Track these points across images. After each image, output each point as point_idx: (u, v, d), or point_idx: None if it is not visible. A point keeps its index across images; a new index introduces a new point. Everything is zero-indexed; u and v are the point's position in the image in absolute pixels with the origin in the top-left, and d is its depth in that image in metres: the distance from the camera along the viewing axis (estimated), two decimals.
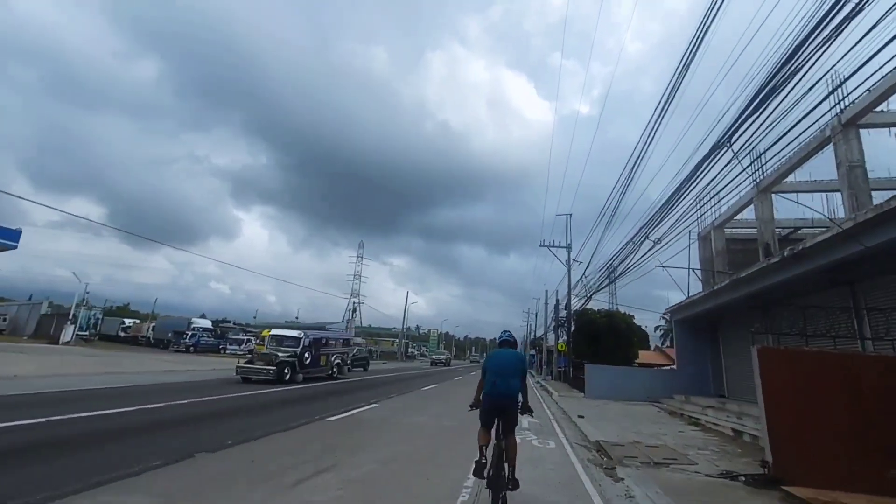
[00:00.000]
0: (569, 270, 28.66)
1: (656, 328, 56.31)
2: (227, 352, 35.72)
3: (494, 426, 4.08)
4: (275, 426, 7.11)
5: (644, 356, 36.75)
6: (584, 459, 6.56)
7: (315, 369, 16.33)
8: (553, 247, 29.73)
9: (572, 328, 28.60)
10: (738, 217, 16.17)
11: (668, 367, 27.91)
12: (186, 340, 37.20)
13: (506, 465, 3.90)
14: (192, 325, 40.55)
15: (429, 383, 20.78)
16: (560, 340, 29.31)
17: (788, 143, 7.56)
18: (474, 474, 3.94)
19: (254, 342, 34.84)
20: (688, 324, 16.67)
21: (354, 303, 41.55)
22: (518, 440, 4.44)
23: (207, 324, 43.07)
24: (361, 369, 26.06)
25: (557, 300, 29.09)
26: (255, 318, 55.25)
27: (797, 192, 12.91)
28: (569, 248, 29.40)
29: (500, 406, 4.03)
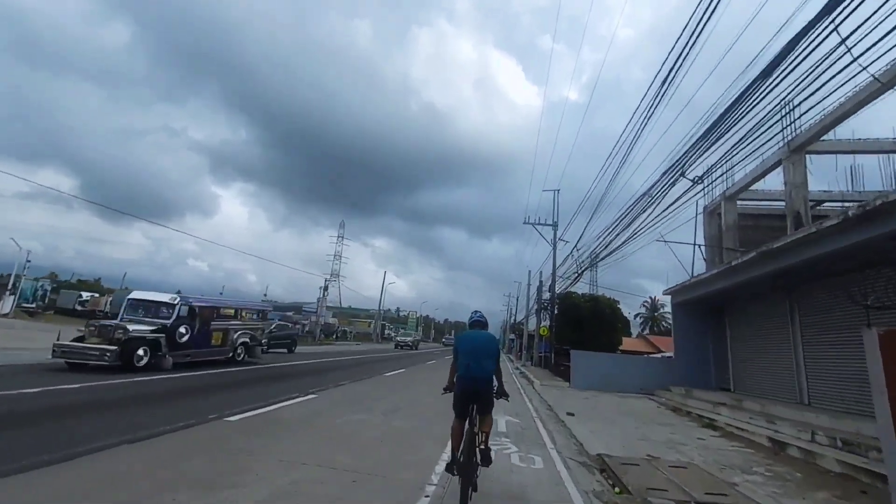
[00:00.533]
0: (554, 249, 26.58)
1: (636, 315, 55.48)
2: None
3: (469, 416, 3.73)
4: (112, 435, 4.61)
5: (627, 343, 35.41)
6: (588, 492, 4.31)
7: (202, 351, 11.87)
8: (538, 224, 27.55)
9: (555, 312, 26.71)
10: (752, 187, 14.12)
11: (661, 356, 26.42)
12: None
13: (478, 437, 3.69)
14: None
15: (396, 368, 18.46)
16: (542, 324, 27.40)
17: (831, 93, 5.51)
18: (447, 470, 3.69)
19: None
20: (689, 307, 14.72)
21: (326, 279, 38.66)
22: (493, 450, 4.18)
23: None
24: (285, 350, 21.30)
25: (541, 281, 27.08)
26: (221, 294, 51.73)
27: (835, 152, 10.80)
28: (555, 225, 27.26)
29: (474, 390, 3.78)
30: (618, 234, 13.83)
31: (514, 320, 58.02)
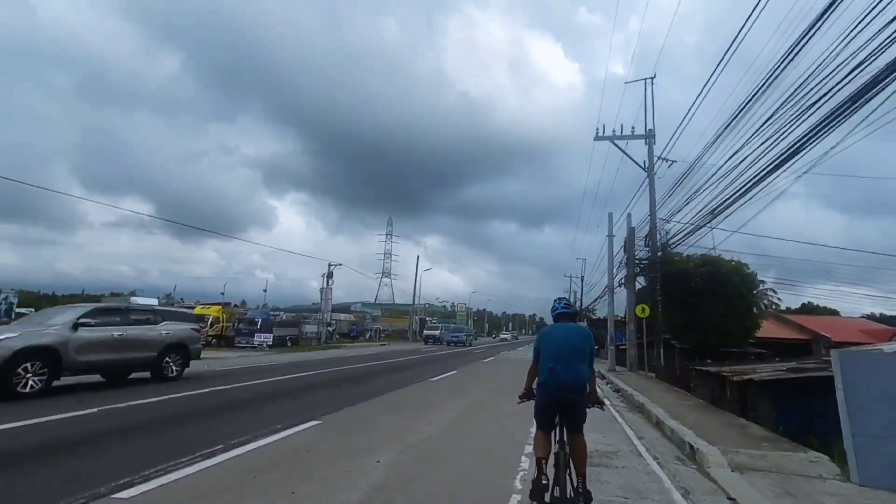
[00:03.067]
0: (650, 175, 15.80)
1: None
2: None
3: (556, 428, 3.05)
4: None
5: (767, 329, 23.17)
6: None
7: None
8: (620, 137, 16.81)
9: (658, 279, 15.95)
10: None
11: None
12: None
13: (573, 474, 2.92)
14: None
15: (441, 371, 9.44)
16: (638, 304, 16.61)
17: None
18: (532, 497, 2.82)
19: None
20: None
21: (330, 265, 30.43)
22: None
23: (151, 303, 33.75)
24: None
25: (632, 228, 16.31)
26: (222, 294, 45.77)
27: None
28: (649, 137, 16.39)
29: (561, 401, 3.02)
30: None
31: (581, 306, 46.33)
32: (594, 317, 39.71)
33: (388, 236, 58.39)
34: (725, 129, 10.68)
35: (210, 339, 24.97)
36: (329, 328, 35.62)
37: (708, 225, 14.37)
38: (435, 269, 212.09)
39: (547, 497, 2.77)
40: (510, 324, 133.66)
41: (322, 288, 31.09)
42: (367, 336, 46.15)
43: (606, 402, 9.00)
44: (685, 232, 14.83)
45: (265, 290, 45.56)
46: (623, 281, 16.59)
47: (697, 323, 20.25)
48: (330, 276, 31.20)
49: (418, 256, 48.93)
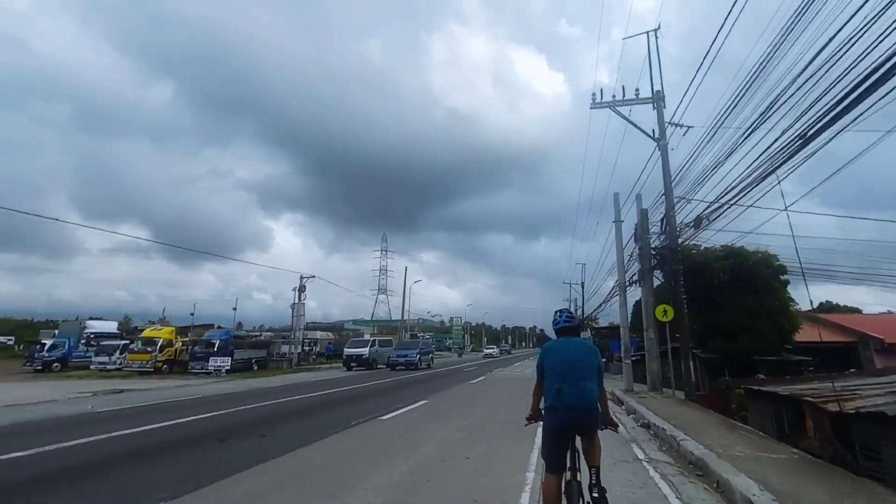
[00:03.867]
0: (661, 143, 12.84)
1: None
2: (94, 367, 22.48)
3: (567, 458, 2.81)
4: None
5: (802, 331, 19.82)
6: None
7: None
8: (622, 103, 13.90)
9: (680, 272, 12.87)
10: None
11: None
12: (43, 354, 24.21)
13: (590, 471, 2.80)
14: (87, 331, 27.97)
15: (406, 401, 6.03)
16: (657, 304, 13.29)
17: None
18: None
19: (137, 347, 21.70)
20: None
21: (303, 278, 27.17)
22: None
23: (109, 327, 30.24)
24: None
25: (645, 211, 13.09)
26: (192, 315, 41.99)
27: None
28: (658, 99, 13.49)
29: (572, 424, 2.81)
30: None
31: (583, 315, 42.94)
32: (597, 325, 36.16)
33: (383, 252, 56.16)
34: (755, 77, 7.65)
35: (160, 364, 21.55)
36: (305, 348, 32.10)
37: (738, 203, 11.24)
38: (432, 284, 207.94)
39: None
40: (509, 337, 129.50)
41: (293, 304, 27.68)
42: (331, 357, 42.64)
43: (640, 453, 5.71)
44: (710, 210, 11.69)
45: (235, 309, 42.02)
46: (636, 277, 13.39)
47: (723, 326, 16.92)
48: (302, 290, 27.84)
49: (406, 268, 45.86)
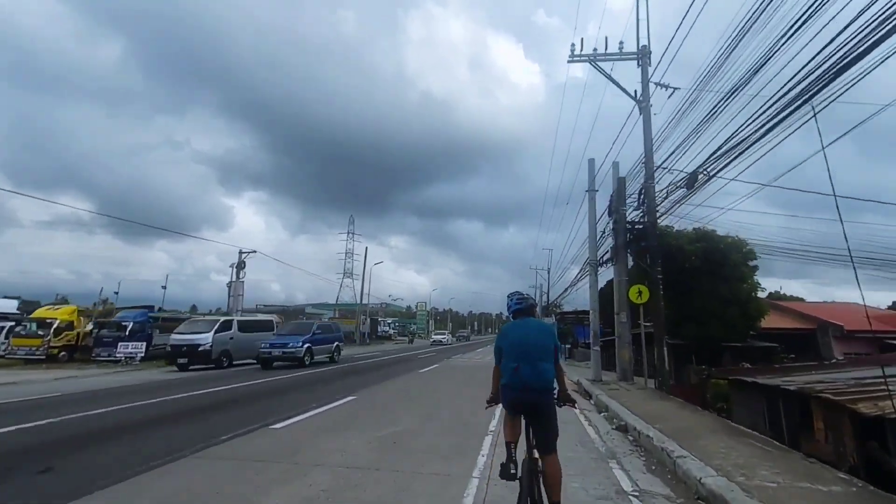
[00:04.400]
0: (644, 105, 11.25)
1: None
2: None
3: (524, 426, 2.86)
4: None
5: (771, 318, 19.21)
6: None
7: None
8: (603, 58, 12.19)
9: (656, 249, 11.48)
10: None
11: None
12: None
13: (545, 493, 2.68)
14: None
15: (329, 397, 5.38)
16: (630, 284, 11.78)
17: None
18: (501, 476, 2.63)
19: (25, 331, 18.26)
20: None
21: (242, 252, 24.29)
22: None
23: (7, 306, 25.93)
24: None
25: (622, 180, 11.44)
26: (116, 293, 37.74)
27: None
28: (643, 55, 11.86)
29: (527, 403, 2.78)
30: None
31: (548, 300, 42.23)
32: (561, 311, 35.28)
33: (350, 235, 52.84)
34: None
35: (55, 351, 18.24)
36: None
37: (720, 176, 9.81)
38: (401, 269, 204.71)
39: (512, 469, 2.59)
40: (475, 323, 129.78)
41: (230, 282, 24.72)
42: None
43: (624, 480, 3.96)
44: (688, 181, 10.20)
45: (164, 287, 37.42)
46: (609, 255, 11.85)
47: (695, 312, 15.88)
48: (241, 266, 24.90)
49: (366, 248, 43.10)
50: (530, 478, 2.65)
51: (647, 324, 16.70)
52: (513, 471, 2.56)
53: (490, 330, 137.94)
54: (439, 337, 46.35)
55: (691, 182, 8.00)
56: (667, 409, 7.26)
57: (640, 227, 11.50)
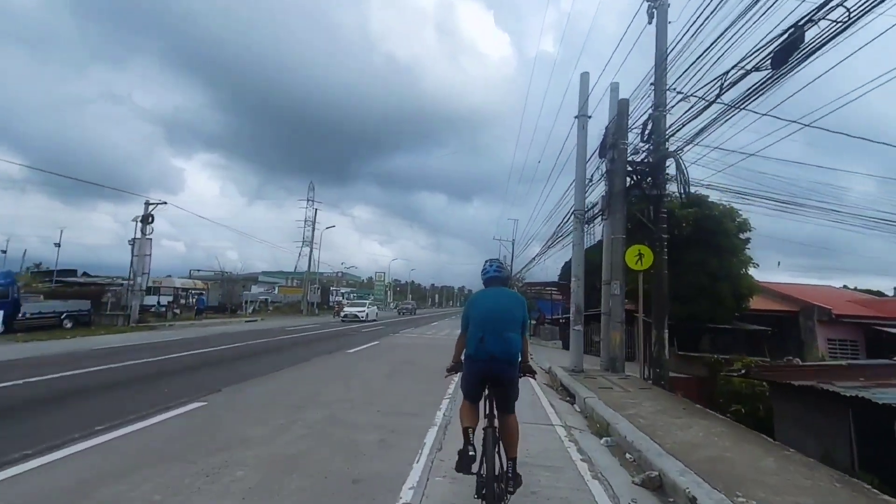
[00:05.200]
0: None
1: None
2: None
3: (483, 400, 2.72)
4: None
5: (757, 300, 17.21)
6: None
7: None
8: None
9: (659, 198, 8.62)
10: None
11: None
12: None
13: (503, 456, 2.58)
14: None
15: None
16: (610, 239, 8.93)
17: None
18: (458, 469, 2.63)
19: None
20: None
21: (148, 203, 19.63)
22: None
23: None
24: None
25: (622, 105, 8.42)
26: (26, 265, 31.79)
27: None
28: None
29: (491, 373, 2.64)
30: None
31: (511, 272, 39.88)
32: (523, 282, 32.94)
33: (310, 202, 47.22)
34: None
35: None
36: (162, 299, 24.79)
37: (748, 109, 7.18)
38: (364, 240, 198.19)
39: (474, 468, 2.57)
40: (436, 296, 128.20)
41: (133, 239, 20.09)
42: (251, 309, 35.74)
43: None
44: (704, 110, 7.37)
45: (57, 245, 31.82)
46: (602, 207, 8.91)
47: (684, 288, 13.49)
48: (146, 220, 20.26)
49: (315, 210, 38.60)
50: (493, 444, 2.48)
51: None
52: (471, 453, 2.54)
53: (451, 303, 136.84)
54: (353, 310, 27.66)
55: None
56: (697, 426, 4.50)
57: (645, 168, 8.61)
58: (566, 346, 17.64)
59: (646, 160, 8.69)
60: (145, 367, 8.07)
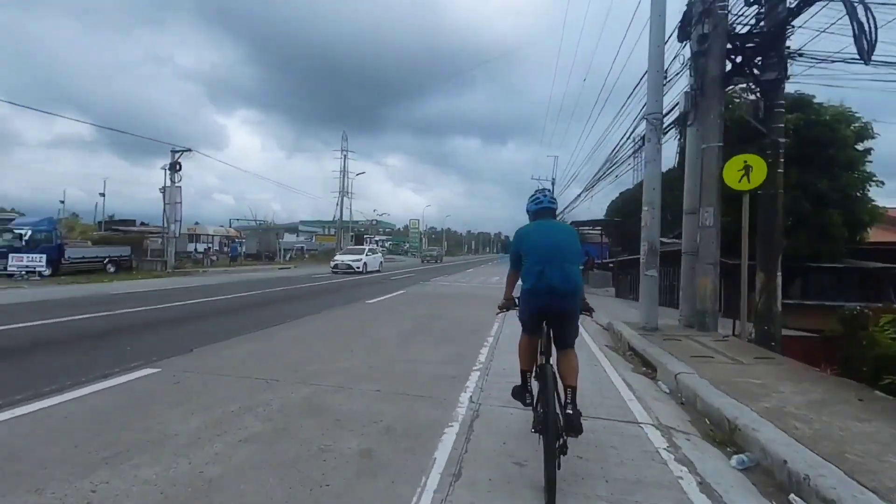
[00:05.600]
0: None
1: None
2: None
3: (541, 341, 2.53)
4: None
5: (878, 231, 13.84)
6: None
7: None
8: None
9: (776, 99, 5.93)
10: None
11: None
12: None
13: (560, 389, 2.35)
14: None
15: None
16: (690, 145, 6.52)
17: None
18: (514, 396, 2.70)
19: None
20: None
21: (173, 150, 18.68)
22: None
23: None
24: None
25: None
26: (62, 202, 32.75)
27: None
28: None
29: (552, 307, 2.44)
30: None
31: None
32: (571, 222, 30.29)
33: (343, 153, 45.82)
34: None
35: None
36: (199, 246, 24.90)
37: None
38: (398, 189, 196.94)
39: (528, 399, 2.60)
40: (472, 242, 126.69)
41: (164, 187, 19.55)
42: (288, 257, 36.05)
43: None
44: None
45: (103, 195, 32.89)
46: (685, 108, 6.47)
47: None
48: (174, 168, 19.54)
49: (346, 158, 36.79)
50: (553, 379, 2.31)
51: (671, 239, 11.85)
52: (528, 401, 2.56)
53: (488, 249, 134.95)
54: (348, 259, 20.87)
55: None
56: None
57: (753, 42, 5.98)
58: (620, 294, 15.59)
59: (756, 29, 6.02)
60: (133, 316, 7.14)
